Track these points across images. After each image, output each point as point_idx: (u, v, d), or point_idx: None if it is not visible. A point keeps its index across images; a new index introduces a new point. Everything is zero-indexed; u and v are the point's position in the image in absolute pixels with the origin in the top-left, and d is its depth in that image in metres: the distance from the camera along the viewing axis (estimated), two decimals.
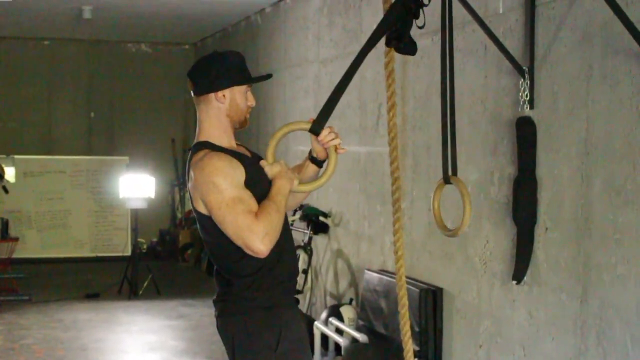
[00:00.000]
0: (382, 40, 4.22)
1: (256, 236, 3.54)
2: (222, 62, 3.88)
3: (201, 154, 3.74)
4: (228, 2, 10.32)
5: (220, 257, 3.85)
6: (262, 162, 3.82)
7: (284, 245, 3.83)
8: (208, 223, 3.76)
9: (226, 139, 3.88)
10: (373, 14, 7.70)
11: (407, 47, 4.34)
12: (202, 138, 3.86)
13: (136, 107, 14.33)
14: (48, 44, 13.89)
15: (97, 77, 14.18)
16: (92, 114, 14.29)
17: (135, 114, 14.31)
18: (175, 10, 10.91)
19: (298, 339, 3.84)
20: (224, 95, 3.83)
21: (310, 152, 4.02)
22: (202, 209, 3.73)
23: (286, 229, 3.89)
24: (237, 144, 3.97)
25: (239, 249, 3.64)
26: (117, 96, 14.31)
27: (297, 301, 4.13)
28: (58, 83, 14.04)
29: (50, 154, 13.92)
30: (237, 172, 3.71)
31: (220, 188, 3.62)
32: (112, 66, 14.21)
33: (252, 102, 3.90)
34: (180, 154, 14.52)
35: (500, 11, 5.65)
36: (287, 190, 3.72)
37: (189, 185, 3.81)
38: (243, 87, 3.87)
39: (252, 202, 3.65)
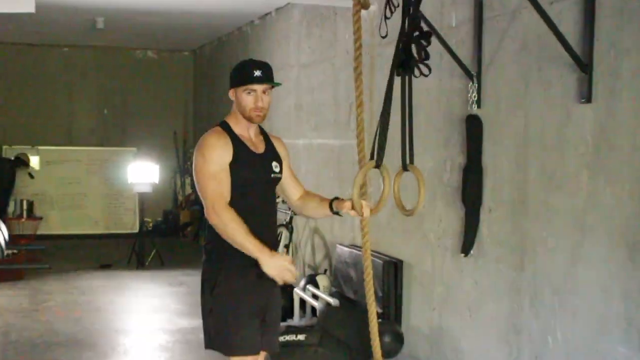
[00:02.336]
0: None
1: (212, 210, 3.73)
2: (235, 69, 3.97)
3: (212, 128, 3.94)
4: (222, 14, 10.29)
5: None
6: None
7: (255, 225, 3.80)
8: None
9: (239, 127, 3.94)
10: (345, 26, 7.71)
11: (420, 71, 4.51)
12: (226, 119, 3.98)
13: (143, 104, 14.28)
14: (67, 51, 13.83)
15: (109, 79, 14.12)
16: (106, 111, 14.24)
17: (143, 111, 14.27)
18: (177, 22, 10.88)
19: (234, 290, 3.87)
20: (231, 94, 3.94)
21: (332, 203, 4.03)
22: None
23: (261, 217, 3.93)
24: (259, 133, 4.04)
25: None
26: (126, 96, 14.26)
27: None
28: (76, 85, 13.98)
29: (69, 146, 13.88)
30: (224, 152, 3.83)
31: (206, 159, 3.80)
32: (122, 70, 14.16)
33: (259, 103, 3.86)
34: (181, 145, 14.53)
35: (454, 25, 5.68)
36: (255, 255, 3.74)
37: (194, 154, 3.95)
38: (241, 88, 3.87)
39: (224, 184, 3.80)
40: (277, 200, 8.57)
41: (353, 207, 3.95)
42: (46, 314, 7.94)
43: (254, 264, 3.83)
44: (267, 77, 3.89)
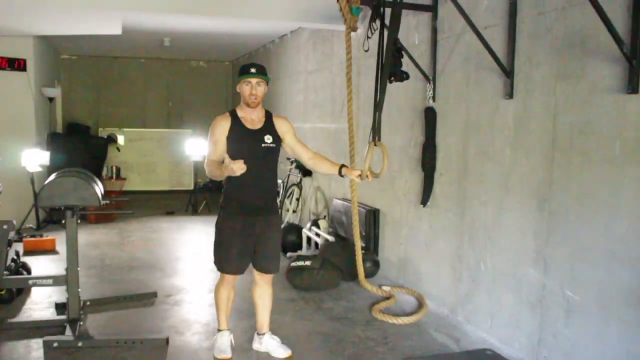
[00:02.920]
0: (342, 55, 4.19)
1: (206, 165, 3.88)
2: (239, 69, 3.98)
3: (220, 116, 4.02)
4: (253, 35, 10.19)
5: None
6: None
7: (244, 183, 3.85)
8: None
9: (242, 112, 3.98)
10: (339, 44, 7.64)
11: (403, 78, 4.50)
12: (236, 107, 4.04)
13: (196, 99, 14.19)
14: (143, 61, 13.73)
15: (173, 82, 14.03)
16: (170, 104, 14.14)
17: (196, 104, 14.17)
18: (220, 40, 10.79)
19: (226, 227, 4.00)
20: (237, 87, 3.99)
21: (341, 168, 3.97)
22: None
23: (256, 178, 3.90)
24: (262, 116, 4.01)
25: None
26: (184, 93, 14.16)
27: (265, 213, 4.03)
28: (149, 85, 13.90)
29: (144, 128, 13.85)
30: (222, 129, 3.90)
31: (211, 134, 3.93)
32: (182, 75, 14.06)
33: (253, 91, 3.89)
34: None
35: (416, 43, 5.63)
36: (223, 173, 3.72)
37: None
38: (241, 81, 3.92)
39: (217, 149, 3.88)
40: (291, 166, 8.70)
41: (360, 176, 3.92)
42: (129, 246, 7.96)
43: (244, 212, 3.94)
44: (259, 72, 3.92)
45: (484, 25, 4.53)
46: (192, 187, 12.18)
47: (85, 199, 4.41)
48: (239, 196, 3.95)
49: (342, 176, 4.00)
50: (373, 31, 4.44)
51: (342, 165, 3.99)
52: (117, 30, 6.93)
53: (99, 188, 4.64)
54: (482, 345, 4.44)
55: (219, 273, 4.13)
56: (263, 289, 4.17)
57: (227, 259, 3.99)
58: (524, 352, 4.20)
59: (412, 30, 5.69)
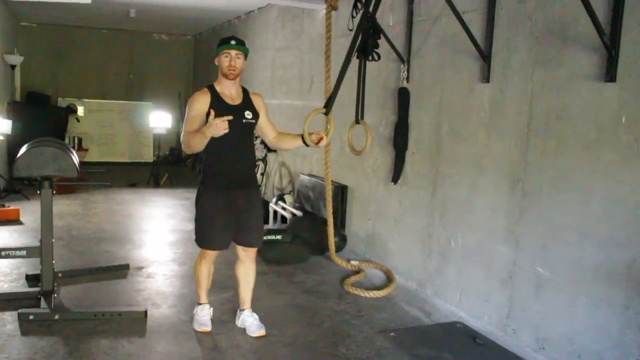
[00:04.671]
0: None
1: (183, 139, 3.73)
2: (219, 41, 3.89)
3: (199, 90, 3.89)
4: (217, 10, 9.97)
5: (203, 151, 3.84)
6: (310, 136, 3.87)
7: (224, 158, 3.83)
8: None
9: (220, 87, 3.88)
10: (310, 22, 7.55)
11: (373, 58, 4.46)
12: (213, 82, 3.92)
13: (158, 72, 13.89)
14: (105, 32, 13.32)
15: (135, 54, 13.68)
16: (131, 76, 13.80)
17: (157, 77, 13.89)
18: (184, 14, 10.53)
19: (209, 203, 3.88)
20: (215, 60, 3.89)
21: (303, 138, 3.91)
22: None
23: (236, 152, 3.85)
24: (240, 92, 3.92)
25: (207, 150, 3.76)
26: (146, 65, 13.84)
27: (246, 187, 3.95)
28: (111, 56, 13.54)
29: (105, 99, 13.49)
30: (202, 104, 3.79)
31: (189, 108, 3.81)
32: (144, 47, 13.72)
33: (232, 62, 3.80)
34: (184, 102, 14.14)
35: (391, 24, 5.60)
36: (204, 135, 3.59)
37: None
38: (221, 52, 3.83)
39: (194, 124, 3.72)
40: (256, 142, 8.59)
41: (303, 139, 3.91)
42: (95, 217, 7.75)
43: (225, 187, 3.85)
44: (238, 44, 3.85)
45: (462, 10, 4.53)
46: (152, 160, 11.95)
47: (64, 170, 4.25)
48: (221, 171, 3.87)
49: (305, 144, 3.94)
50: (358, 11, 4.39)
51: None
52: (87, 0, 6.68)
53: (75, 159, 4.47)
54: (452, 319, 4.53)
55: (190, 246, 4.06)
56: (247, 267, 4.10)
57: (210, 234, 3.91)
58: (493, 325, 4.30)
59: (387, 11, 5.65)
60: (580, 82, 3.61)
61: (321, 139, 3.85)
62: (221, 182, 3.86)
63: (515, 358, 3.87)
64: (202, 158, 3.96)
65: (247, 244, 4.02)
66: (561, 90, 3.75)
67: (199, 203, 3.94)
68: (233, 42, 3.82)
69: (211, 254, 4.01)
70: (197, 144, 3.65)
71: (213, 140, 3.62)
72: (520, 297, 4.07)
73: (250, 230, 3.99)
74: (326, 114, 4.16)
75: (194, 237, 4.03)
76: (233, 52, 3.81)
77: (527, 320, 4.01)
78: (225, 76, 3.83)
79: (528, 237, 4.00)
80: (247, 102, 3.92)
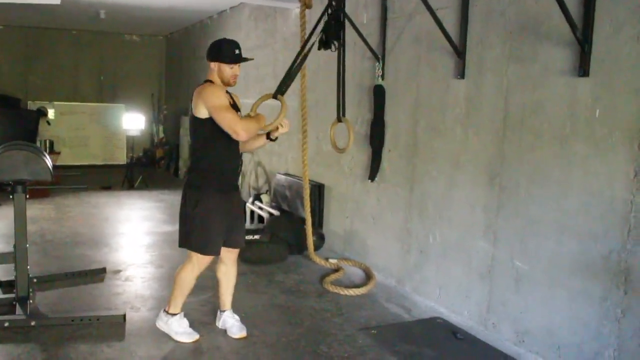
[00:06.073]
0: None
1: (237, 133, 3.53)
2: (218, 46, 3.76)
3: (206, 85, 3.72)
4: (189, 10, 9.87)
5: (194, 153, 3.80)
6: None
7: (225, 159, 3.76)
8: (199, 127, 3.70)
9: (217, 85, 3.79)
10: (283, 21, 7.51)
11: (329, 47, 4.43)
12: (208, 78, 3.78)
13: (130, 73, 13.69)
14: (75, 33, 13.08)
15: (105, 55, 13.46)
16: (102, 77, 13.58)
17: (129, 78, 13.68)
18: (155, 14, 10.37)
19: (210, 208, 3.74)
20: (212, 64, 3.75)
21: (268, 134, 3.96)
22: (201, 114, 3.66)
23: (235, 151, 3.81)
24: (226, 92, 3.82)
25: (204, 151, 3.70)
26: (117, 67, 13.62)
27: (236, 189, 3.92)
28: (81, 57, 13.29)
29: (76, 101, 13.26)
30: (226, 97, 3.68)
31: (220, 99, 3.60)
32: (115, 49, 13.50)
33: (237, 72, 3.76)
34: (156, 104, 14.01)
35: (365, 22, 5.59)
36: (256, 125, 3.69)
37: (194, 101, 3.68)
38: (227, 64, 3.73)
39: (235, 112, 3.63)
40: None
41: (268, 135, 3.97)
42: (70, 221, 7.60)
43: (223, 190, 3.77)
44: (243, 56, 3.81)
45: (435, 7, 4.52)
46: (125, 162, 11.78)
47: (37, 173, 4.15)
48: (221, 173, 3.76)
49: (270, 139, 3.97)
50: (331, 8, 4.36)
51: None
52: (56, 0, 6.52)
53: (49, 162, 4.37)
54: (432, 314, 4.53)
55: (167, 248, 3.97)
56: (229, 268, 4.03)
57: (211, 240, 3.77)
58: (473, 319, 4.31)
59: (361, 9, 5.64)
60: (554, 77, 3.63)
61: (277, 128, 3.89)
62: (219, 184, 3.77)
63: (496, 352, 3.88)
64: (194, 160, 3.81)
65: (235, 245, 3.96)
66: (536, 85, 3.77)
67: (197, 208, 3.73)
68: (238, 52, 3.78)
69: (208, 260, 3.90)
70: (254, 131, 3.65)
71: (213, 140, 3.63)
72: (499, 291, 4.08)
73: (240, 231, 3.96)
74: (274, 96, 4.10)
75: (176, 241, 3.89)
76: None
77: (506, 314, 4.02)
78: (227, 84, 3.76)
79: (506, 232, 4.01)
80: (235, 103, 3.89)
